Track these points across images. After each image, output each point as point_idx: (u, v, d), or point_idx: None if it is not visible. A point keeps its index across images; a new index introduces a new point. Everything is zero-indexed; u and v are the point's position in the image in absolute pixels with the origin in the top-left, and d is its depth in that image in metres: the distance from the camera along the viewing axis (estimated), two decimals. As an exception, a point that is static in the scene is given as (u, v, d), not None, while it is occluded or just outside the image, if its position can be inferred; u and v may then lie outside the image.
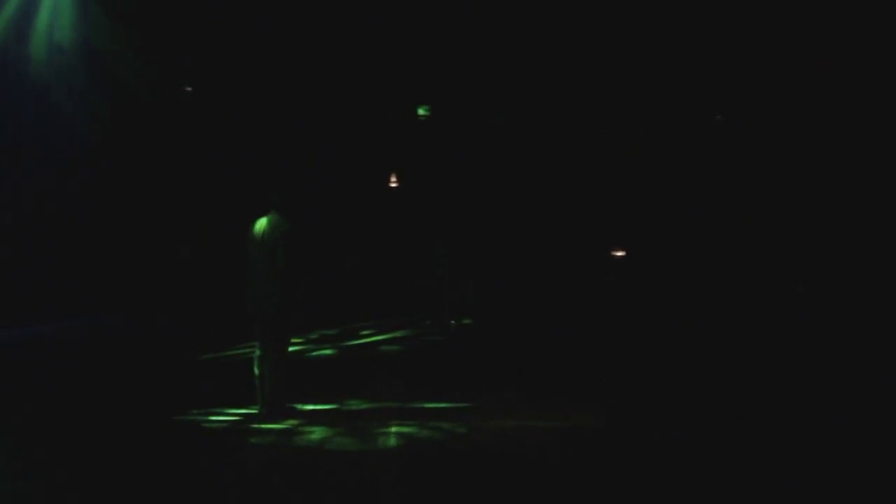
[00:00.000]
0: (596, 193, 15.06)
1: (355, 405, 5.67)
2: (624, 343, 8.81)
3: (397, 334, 10.57)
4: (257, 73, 14.32)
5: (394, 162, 17.28)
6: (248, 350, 8.43)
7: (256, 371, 5.22)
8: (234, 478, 3.95)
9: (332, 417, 5.24)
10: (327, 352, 8.63)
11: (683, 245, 14.21)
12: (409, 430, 4.89)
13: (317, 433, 4.80)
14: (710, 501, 3.65)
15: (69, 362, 7.59)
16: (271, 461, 4.25)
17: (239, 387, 5.68)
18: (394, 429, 4.91)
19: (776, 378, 6.51)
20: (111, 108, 11.93)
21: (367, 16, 13.86)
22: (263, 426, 4.97)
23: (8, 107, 10.18)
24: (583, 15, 13.21)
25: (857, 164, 12.06)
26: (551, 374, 6.96)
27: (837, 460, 4.12)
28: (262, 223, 5.24)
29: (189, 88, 14.31)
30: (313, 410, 5.43)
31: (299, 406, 5.49)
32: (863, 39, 11.43)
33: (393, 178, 17.57)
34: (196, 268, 14.02)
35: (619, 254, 15.38)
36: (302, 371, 7.24)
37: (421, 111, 16.21)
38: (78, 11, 11.24)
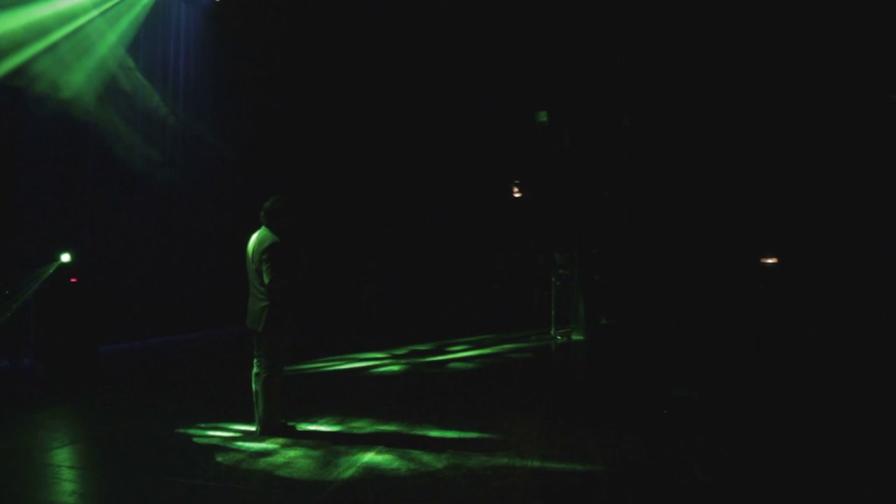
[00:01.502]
0: (741, 196, 13.26)
1: (357, 426, 5.34)
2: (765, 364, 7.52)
3: (485, 351, 10.07)
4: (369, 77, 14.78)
5: (515, 171, 16.86)
6: (322, 364, 8.59)
7: (253, 388, 5.14)
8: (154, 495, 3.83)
9: (320, 439, 4.97)
10: (393, 368, 8.40)
11: (848, 252, 11.92)
12: (382, 460, 4.44)
13: (285, 456, 4.54)
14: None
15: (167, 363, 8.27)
16: (214, 485, 4.07)
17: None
18: (367, 457, 4.50)
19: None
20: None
21: (488, 20, 13.69)
22: (244, 445, 4.83)
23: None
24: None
25: None
26: (641, 403, 6.09)
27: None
28: (252, 238, 5.16)
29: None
30: (308, 430, 5.21)
31: (299, 425, 5.32)
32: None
33: (516, 189, 17.11)
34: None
35: (770, 261, 13.37)
36: (345, 387, 7.14)
37: (541, 117, 15.52)
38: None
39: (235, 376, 6.46)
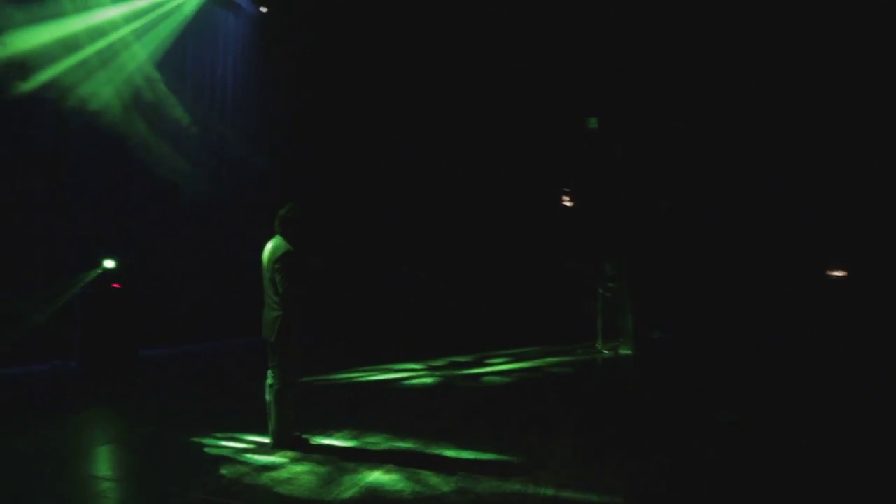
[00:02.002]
0: (804, 202, 12.43)
1: (372, 442, 5.14)
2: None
3: (525, 364, 9.74)
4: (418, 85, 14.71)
5: (565, 179, 16.44)
6: (356, 374, 8.47)
7: (266, 399, 5.03)
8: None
9: (332, 454, 4.80)
10: (426, 380, 8.18)
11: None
12: (387, 481, 4.23)
13: (290, 471, 4.39)
14: None
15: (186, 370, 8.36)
16: (212, 499, 3.95)
17: (303, 412, 5.51)
18: (373, 476, 4.29)
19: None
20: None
21: (537, 25, 13.44)
22: (252, 457, 4.71)
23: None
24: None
25: None
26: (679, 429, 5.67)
27: None
28: (267, 247, 5.06)
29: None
30: (322, 444, 5.06)
31: (314, 438, 5.17)
32: None
33: (566, 198, 16.68)
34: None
35: (839, 274, 12.46)
36: (372, 399, 6.98)
37: (591, 124, 15.07)
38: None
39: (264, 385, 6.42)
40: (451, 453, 4.86)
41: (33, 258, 8.37)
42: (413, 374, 8.68)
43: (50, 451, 4.80)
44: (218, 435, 5.28)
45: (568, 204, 16.66)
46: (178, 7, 10.09)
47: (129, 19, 9.19)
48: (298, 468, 4.46)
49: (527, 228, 16.06)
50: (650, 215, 13.05)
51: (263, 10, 12.30)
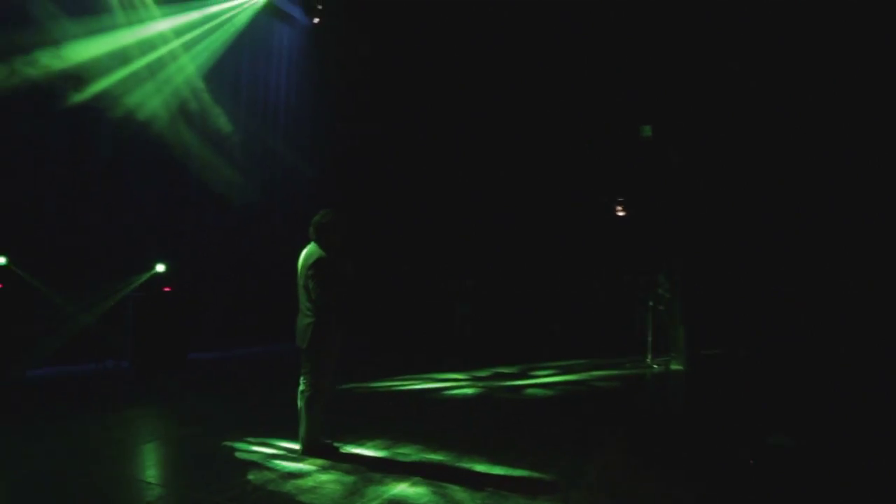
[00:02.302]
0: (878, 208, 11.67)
1: (403, 453, 5.04)
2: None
3: (571, 377, 9.47)
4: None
5: (619, 188, 16.06)
6: (398, 382, 8.42)
7: (298, 404, 5.01)
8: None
9: (360, 463, 4.72)
10: (467, 391, 8.04)
11: None
12: (412, 494, 4.10)
13: (316, 480, 4.32)
14: None
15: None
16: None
17: (339, 420, 5.70)
18: (398, 489, 4.19)
19: None
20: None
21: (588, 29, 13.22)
22: (280, 464, 4.68)
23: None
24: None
25: None
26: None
27: None
28: (302, 254, 5.05)
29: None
30: (352, 453, 4.99)
31: (345, 446, 5.12)
32: None
33: (619, 208, 16.29)
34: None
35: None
36: (409, 408, 6.89)
37: (645, 132, 14.67)
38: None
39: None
40: (481, 468, 4.71)
41: (90, 261, 8.69)
42: (455, 384, 8.56)
43: (82, 449, 4.91)
44: (251, 439, 5.29)
45: (621, 213, 16.26)
46: (230, 19, 10.34)
47: (179, 32, 9.48)
48: (324, 477, 4.40)
49: (580, 238, 15.74)
50: (705, 224, 12.54)
51: (315, 21, 12.51)
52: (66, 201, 8.46)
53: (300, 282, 4.95)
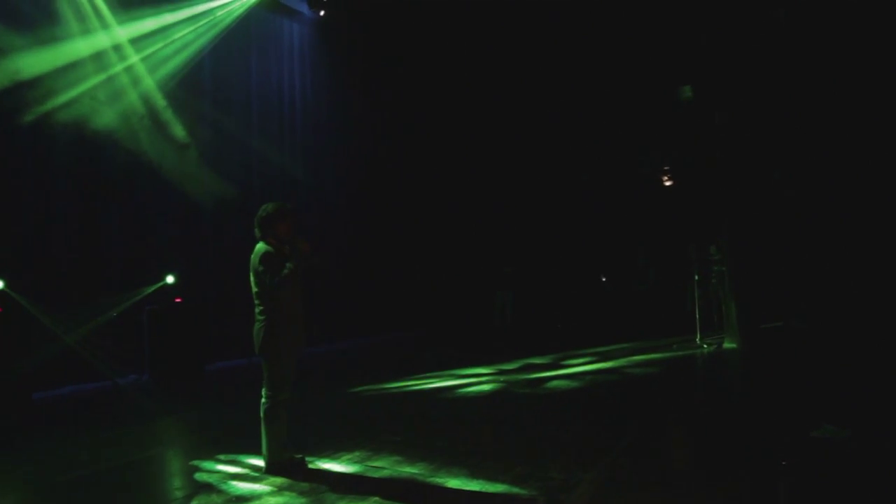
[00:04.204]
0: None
1: (377, 466, 4.52)
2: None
3: (606, 365, 8.73)
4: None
5: (664, 158, 14.98)
6: (413, 382, 7.93)
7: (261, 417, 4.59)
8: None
9: (323, 482, 4.23)
10: (483, 388, 7.45)
11: None
12: (361, 519, 3.60)
13: (266, 503, 3.91)
14: None
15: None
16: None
17: (327, 428, 5.48)
18: (347, 514, 3.68)
19: None
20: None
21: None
22: (237, 484, 4.25)
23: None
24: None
25: None
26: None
27: None
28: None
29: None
30: (319, 469, 4.52)
31: (317, 461, 4.66)
32: None
33: (666, 178, 15.19)
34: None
35: None
36: (409, 412, 6.38)
37: (685, 93, 13.50)
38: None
39: (317, 399, 6.02)
40: (455, 483, 4.13)
41: (98, 277, 8.62)
42: (475, 380, 7.99)
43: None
44: (221, 457, 4.92)
45: (668, 183, 15.17)
46: (221, 20, 10.08)
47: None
48: (275, 500, 3.95)
49: (624, 213, 14.79)
50: (758, 189, 11.38)
51: (321, 13, 12.12)
52: (71, 215, 8.40)
53: (252, 287, 4.51)
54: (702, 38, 11.62)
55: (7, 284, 7.11)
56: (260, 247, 4.49)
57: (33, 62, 7.33)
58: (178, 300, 8.77)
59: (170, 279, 8.74)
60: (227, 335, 9.36)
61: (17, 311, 7.11)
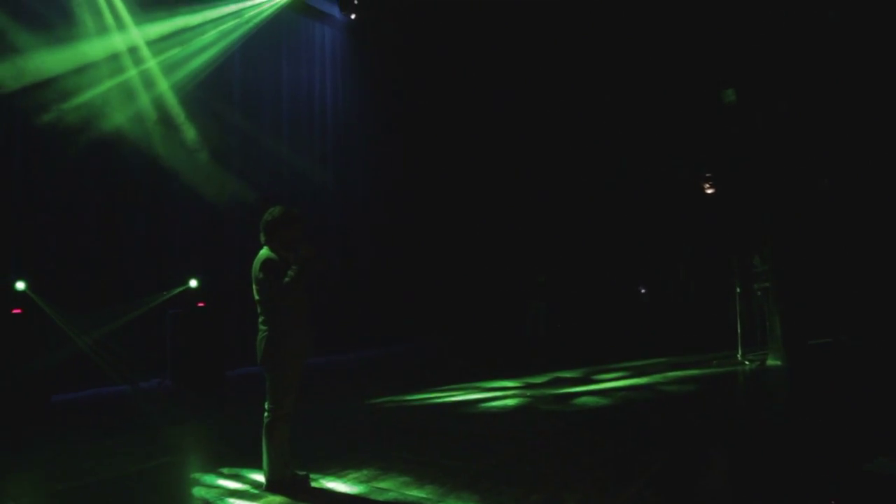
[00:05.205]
0: None
1: (382, 487, 4.23)
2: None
3: (639, 381, 8.27)
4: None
5: (705, 164, 14.39)
6: (437, 394, 7.63)
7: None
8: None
9: (323, 502, 3.99)
10: (507, 402, 7.09)
11: None
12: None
13: (255, 527, 3.65)
14: None
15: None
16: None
17: (338, 442, 5.30)
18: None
19: None
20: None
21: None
22: (233, 502, 4.04)
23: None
24: None
25: None
26: None
27: None
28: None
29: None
30: (322, 489, 4.26)
31: (321, 479, 4.39)
32: None
33: (707, 185, 14.59)
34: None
35: None
36: (426, 428, 6.06)
37: (728, 97, 12.92)
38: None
39: (332, 411, 5.81)
40: (460, 506, 3.82)
41: (126, 278, 8.60)
42: (500, 393, 7.64)
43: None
44: (224, 470, 4.71)
45: (709, 191, 14.57)
46: (250, 20, 10.03)
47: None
48: (270, 522, 3.70)
49: (664, 221, 14.25)
50: (805, 197, 10.77)
51: (353, 16, 12.01)
52: (95, 218, 8.40)
53: (254, 295, 4.29)
54: (748, 38, 11.08)
55: (29, 286, 7.10)
56: (262, 253, 4.28)
57: (53, 61, 7.32)
58: (200, 304, 8.68)
59: (193, 283, 8.66)
60: (248, 341, 9.21)
61: (38, 313, 7.09)
